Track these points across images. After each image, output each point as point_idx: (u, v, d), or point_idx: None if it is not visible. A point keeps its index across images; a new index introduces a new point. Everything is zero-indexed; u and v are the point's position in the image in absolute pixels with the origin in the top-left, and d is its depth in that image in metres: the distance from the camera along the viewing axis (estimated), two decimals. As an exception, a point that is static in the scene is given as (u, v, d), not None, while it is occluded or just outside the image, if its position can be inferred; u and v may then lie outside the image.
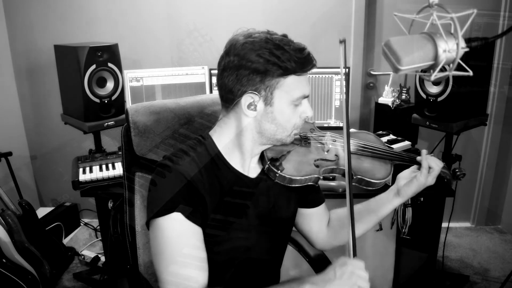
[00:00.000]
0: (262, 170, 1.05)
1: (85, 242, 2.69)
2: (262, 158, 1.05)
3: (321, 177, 1.05)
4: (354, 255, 0.89)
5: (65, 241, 2.68)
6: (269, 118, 0.96)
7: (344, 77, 0.88)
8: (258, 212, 1.05)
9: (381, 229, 1.96)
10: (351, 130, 1.22)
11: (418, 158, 1.11)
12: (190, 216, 0.91)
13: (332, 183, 1.76)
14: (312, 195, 1.19)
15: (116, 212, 1.99)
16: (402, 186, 1.10)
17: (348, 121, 0.88)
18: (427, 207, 2.04)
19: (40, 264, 2.05)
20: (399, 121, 2.20)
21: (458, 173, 1.26)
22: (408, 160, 1.15)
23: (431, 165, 1.08)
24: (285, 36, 0.95)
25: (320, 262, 1.32)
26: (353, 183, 1.07)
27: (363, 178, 1.07)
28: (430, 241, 2.06)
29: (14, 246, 1.94)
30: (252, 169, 1.05)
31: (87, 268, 2.40)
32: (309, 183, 1.04)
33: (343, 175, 1.08)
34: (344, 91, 0.91)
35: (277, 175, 1.00)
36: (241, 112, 0.96)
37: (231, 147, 1.01)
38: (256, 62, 0.90)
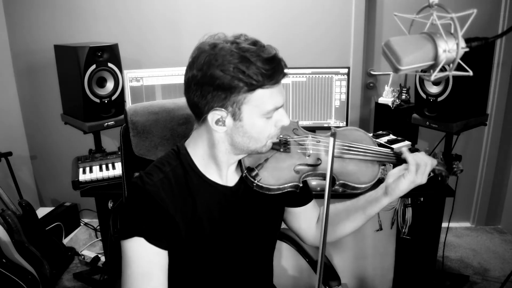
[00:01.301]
0: (241, 177, 1.02)
1: (85, 242, 2.69)
2: (240, 164, 1.01)
3: (301, 184, 0.99)
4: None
5: (65, 241, 2.68)
6: (240, 132, 0.91)
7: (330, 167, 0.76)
8: (240, 219, 1.04)
9: (381, 229, 1.96)
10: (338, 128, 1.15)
11: (403, 156, 1.04)
12: (153, 241, 0.91)
13: (332, 183, 1.75)
14: (298, 195, 1.13)
15: (116, 212, 1.99)
16: (389, 184, 1.03)
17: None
18: (427, 207, 2.05)
19: (40, 264, 2.05)
20: (399, 121, 2.20)
21: (455, 168, 1.17)
22: (395, 159, 1.08)
23: (418, 162, 1.01)
24: (254, 43, 0.87)
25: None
26: (337, 187, 1.02)
27: (346, 183, 1.00)
28: (430, 241, 2.05)
29: (14, 246, 1.94)
30: (230, 178, 1.02)
31: (87, 268, 2.40)
32: (289, 190, 0.99)
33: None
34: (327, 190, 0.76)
35: (254, 184, 0.96)
36: (210, 126, 0.92)
37: (206, 158, 0.99)
38: (220, 78, 0.84)
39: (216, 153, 0.97)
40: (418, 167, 1.01)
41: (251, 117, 0.90)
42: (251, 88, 0.86)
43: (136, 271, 0.90)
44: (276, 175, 0.98)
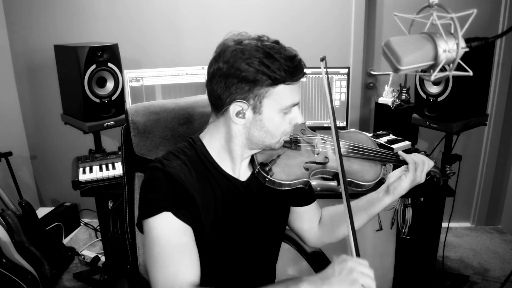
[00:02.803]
0: (253, 173, 1.05)
1: (85, 242, 2.69)
2: (252, 160, 1.06)
3: (310, 180, 1.05)
4: (358, 255, 0.85)
5: (65, 241, 2.68)
6: (258, 126, 0.96)
7: (329, 97, 0.88)
8: (250, 214, 1.06)
9: (381, 229, 1.96)
10: (341, 131, 1.23)
11: (401, 157, 1.12)
12: (180, 215, 0.91)
13: (332, 183, 1.76)
14: (303, 194, 1.19)
15: (116, 212, 1.99)
16: (391, 183, 1.10)
17: (338, 138, 0.85)
18: (427, 207, 2.05)
19: (40, 264, 2.05)
20: (399, 121, 2.20)
21: (448, 171, 1.27)
22: (396, 160, 1.15)
23: (416, 161, 1.09)
24: (276, 42, 0.93)
25: (318, 259, 1.32)
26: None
27: (352, 180, 1.07)
28: (430, 241, 2.06)
29: (14, 246, 1.94)
30: (242, 172, 1.05)
31: (87, 268, 2.40)
32: (299, 186, 1.03)
33: (333, 177, 1.09)
34: (332, 118, 0.91)
35: (267, 179, 1.00)
36: (230, 119, 0.95)
37: (222, 151, 1.02)
38: (245, 71, 0.89)
39: (232, 146, 1.00)
40: (417, 166, 1.09)
41: (270, 112, 0.94)
42: (275, 82, 0.91)
43: (167, 246, 0.89)
44: (287, 171, 1.03)
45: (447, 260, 2.44)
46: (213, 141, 1.02)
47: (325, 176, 1.10)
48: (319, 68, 2.15)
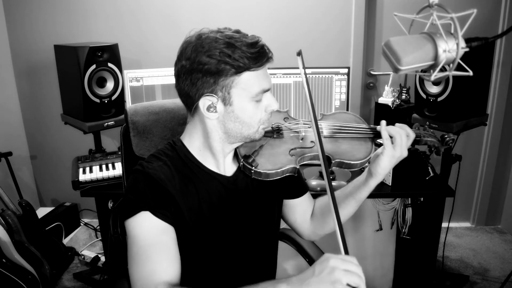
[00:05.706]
0: (239, 167, 1.04)
1: (85, 242, 2.69)
2: (236, 154, 1.05)
3: (298, 166, 1.02)
4: (346, 251, 0.79)
5: (65, 241, 2.68)
6: (232, 118, 0.95)
7: (307, 87, 0.88)
8: (239, 209, 1.05)
9: (381, 229, 1.96)
10: (326, 113, 1.20)
11: (378, 128, 1.05)
12: (159, 214, 0.91)
13: (333, 183, 1.75)
14: (294, 185, 1.17)
15: (116, 212, 1.99)
16: (372, 163, 1.03)
17: (320, 136, 0.84)
18: (427, 207, 2.04)
19: (40, 264, 2.05)
20: (399, 121, 2.19)
21: (448, 138, 1.17)
22: (372, 135, 1.09)
23: (391, 133, 1.00)
24: (237, 32, 0.93)
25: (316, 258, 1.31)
26: (334, 167, 1.04)
27: (342, 160, 1.03)
28: (430, 241, 2.05)
29: (14, 246, 1.94)
30: (228, 168, 1.05)
31: (87, 268, 2.40)
32: (288, 174, 1.02)
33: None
34: (310, 102, 0.89)
35: (253, 171, 0.99)
36: (203, 115, 0.95)
37: (202, 149, 1.01)
38: (208, 63, 0.89)
39: (211, 143, 0.99)
40: (394, 140, 1.00)
41: (240, 101, 0.93)
42: (238, 70, 0.90)
43: (144, 245, 0.88)
44: (272, 160, 1.01)
45: (447, 260, 2.44)
46: (192, 140, 1.02)
47: (311, 161, 1.06)
48: (319, 68, 2.15)
